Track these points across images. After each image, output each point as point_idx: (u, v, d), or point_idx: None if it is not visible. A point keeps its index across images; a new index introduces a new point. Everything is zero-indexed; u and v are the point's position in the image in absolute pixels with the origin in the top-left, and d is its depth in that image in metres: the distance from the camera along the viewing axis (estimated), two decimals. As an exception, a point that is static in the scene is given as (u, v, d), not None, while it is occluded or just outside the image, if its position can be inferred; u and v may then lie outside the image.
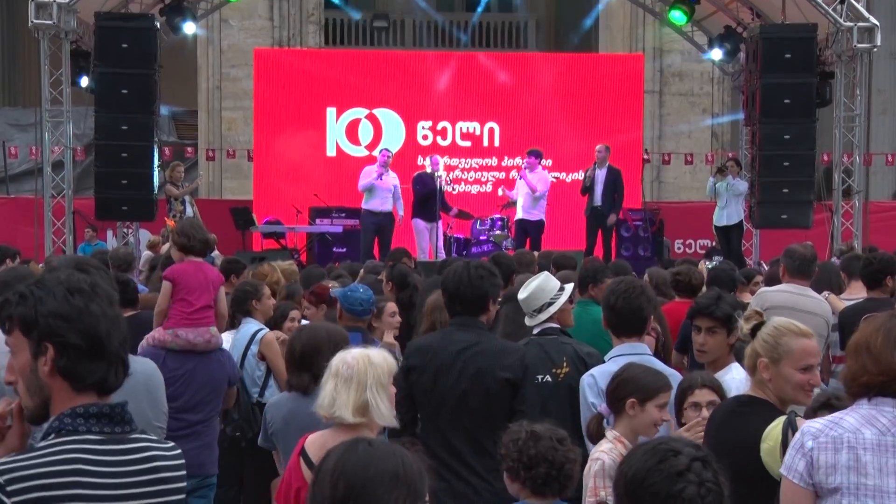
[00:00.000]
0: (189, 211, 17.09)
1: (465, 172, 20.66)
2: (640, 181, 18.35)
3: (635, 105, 21.35)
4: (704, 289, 8.13)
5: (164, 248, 15.80)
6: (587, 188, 16.71)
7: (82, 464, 2.55)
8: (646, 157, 21.89)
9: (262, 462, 6.88)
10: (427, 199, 16.67)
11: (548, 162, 20.29)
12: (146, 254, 15.36)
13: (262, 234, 17.97)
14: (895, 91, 27.24)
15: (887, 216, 20.73)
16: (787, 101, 16.47)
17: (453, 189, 17.86)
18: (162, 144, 19.40)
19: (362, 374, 4.02)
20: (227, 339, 7.07)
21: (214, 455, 6.47)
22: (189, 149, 24.72)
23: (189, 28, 18.54)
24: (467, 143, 20.91)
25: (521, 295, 5.65)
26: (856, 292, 7.99)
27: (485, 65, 21.60)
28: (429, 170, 17.09)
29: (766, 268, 13.54)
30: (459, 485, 4.92)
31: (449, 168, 19.43)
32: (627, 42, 25.54)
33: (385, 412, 4.02)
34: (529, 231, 16.61)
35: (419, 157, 20.38)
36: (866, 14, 16.76)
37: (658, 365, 5.13)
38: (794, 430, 3.67)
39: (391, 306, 7.35)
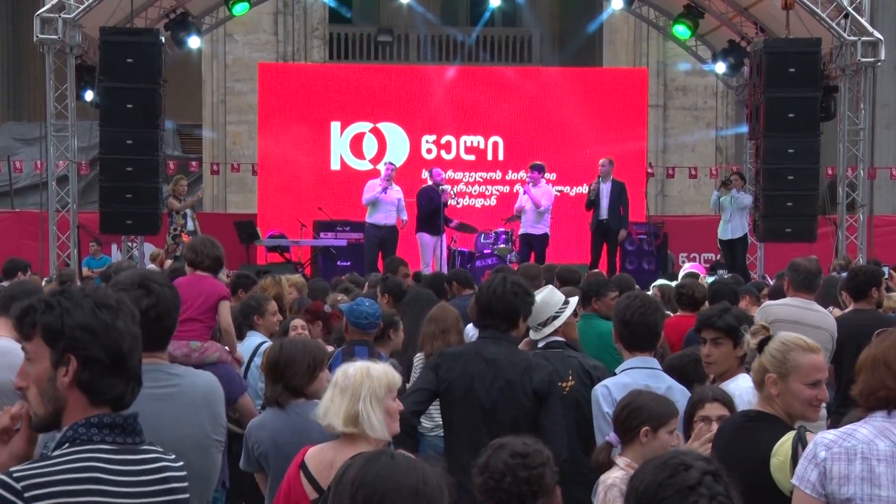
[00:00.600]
0: (190, 225, 17.11)
1: (469, 186, 20.69)
2: (644, 195, 18.33)
3: (639, 119, 21.38)
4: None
5: (169, 262, 15.83)
6: (592, 202, 16.68)
7: (98, 472, 2.56)
8: (650, 170, 21.90)
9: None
10: (432, 214, 16.70)
11: (552, 176, 20.31)
12: (150, 267, 15.37)
13: (267, 247, 17.97)
14: (899, 105, 27.21)
15: (891, 230, 20.70)
16: (791, 115, 16.47)
17: (458, 203, 17.88)
18: (166, 158, 19.45)
19: (358, 385, 4.04)
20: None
21: (223, 466, 6.44)
22: (193, 163, 24.78)
23: (194, 42, 18.61)
24: (471, 157, 20.94)
25: (533, 305, 5.65)
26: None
27: (489, 79, 21.65)
28: (430, 182, 17.14)
29: (772, 281, 13.53)
30: None
31: (453, 182, 19.46)
32: (631, 56, 25.60)
33: (376, 425, 4.01)
34: (534, 245, 16.60)
35: (423, 170, 20.42)
36: (870, 28, 16.78)
37: (667, 380, 5.12)
38: (804, 445, 3.66)
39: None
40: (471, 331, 6.97)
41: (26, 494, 2.46)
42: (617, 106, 20.95)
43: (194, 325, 6.46)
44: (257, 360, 7.08)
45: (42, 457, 2.60)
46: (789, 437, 3.82)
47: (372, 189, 16.85)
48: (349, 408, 4.02)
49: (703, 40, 20.08)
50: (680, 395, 4.88)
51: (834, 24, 16.46)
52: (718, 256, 18.67)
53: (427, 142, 20.87)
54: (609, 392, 5.05)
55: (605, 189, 16.62)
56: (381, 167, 17.73)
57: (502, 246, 16.97)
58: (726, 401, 4.60)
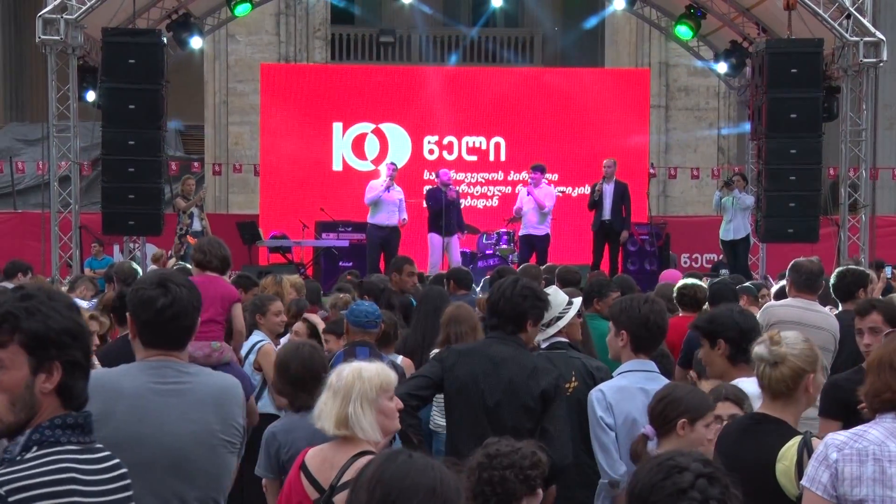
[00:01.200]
0: (197, 225, 17.14)
1: (472, 187, 20.70)
2: (646, 195, 18.33)
3: (641, 119, 21.38)
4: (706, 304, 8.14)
5: (170, 262, 15.85)
6: (595, 202, 16.68)
7: (74, 473, 2.56)
8: (652, 171, 21.89)
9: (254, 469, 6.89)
10: (439, 214, 16.73)
11: (554, 176, 20.33)
12: (152, 268, 15.39)
13: (269, 248, 17.99)
14: (901, 105, 27.21)
15: (893, 230, 20.70)
16: (793, 115, 16.46)
17: (460, 203, 17.88)
18: (168, 159, 19.46)
19: (349, 387, 4.04)
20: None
21: None
22: (196, 163, 24.78)
23: (196, 43, 18.62)
24: (473, 158, 20.95)
25: (544, 311, 5.63)
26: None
27: (491, 79, 21.65)
28: (438, 182, 17.21)
29: (773, 282, 13.53)
30: None
31: (455, 182, 19.47)
32: (633, 57, 25.60)
33: (366, 426, 4.01)
34: (536, 245, 16.60)
35: (425, 171, 20.43)
36: (872, 29, 16.77)
37: (664, 381, 5.11)
38: (810, 449, 3.65)
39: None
40: None
41: (10, 499, 2.44)
42: (619, 106, 20.95)
43: (214, 326, 6.52)
44: (251, 358, 7.11)
45: (9, 461, 2.56)
46: (795, 441, 3.80)
47: (374, 189, 16.86)
48: (340, 410, 4.02)
49: (705, 41, 20.07)
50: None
51: (836, 25, 16.45)
52: (720, 257, 18.67)
53: (429, 142, 20.88)
54: (604, 396, 5.03)
55: (609, 190, 16.62)
56: (383, 168, 17.74)
57: (504, 247, 16.98)
58: (738, 399, 4.55)
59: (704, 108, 25.83)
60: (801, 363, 3.95)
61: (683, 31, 18.77)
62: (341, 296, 8.79)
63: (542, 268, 11.78)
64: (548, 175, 20.16)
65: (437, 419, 6.87)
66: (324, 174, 20.59)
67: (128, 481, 2.73)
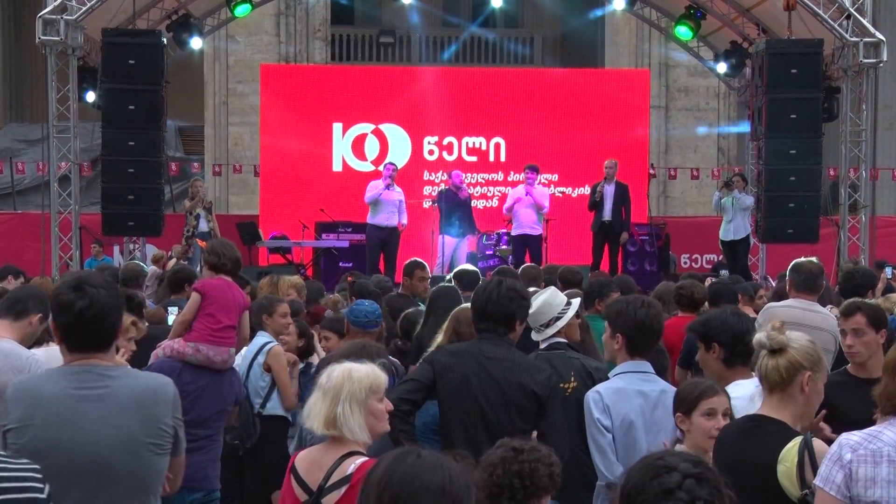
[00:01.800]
0: (204, 226, 17.18)
1: (472, 187, 20.68)
2: (646, 196, 18.33)
3: (641, 120, 21.37)
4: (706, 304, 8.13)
5: (171, 263, 15.85)
6: (596, 203, 16.68)
7: None
8: (652, 171, 21.86)
9: (261, 473, 6.88)
10: (450, 214, 16.78)
11: (554, 177, 20.35)
12: (152, 268, 15.39)
13: (269, 249, 17.99)
14: (901, 106, 27.21)
15: (893, 231, 20.68)
16: (793, 116, 16.46)
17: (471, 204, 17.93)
18: (168, 160, 19.48)
19: (338, 388, 4.04)
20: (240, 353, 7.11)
21: (218, 469, 6.47)
22: (196, 164, 24.79)
23: (196, 44, 18.62)
24: (473, 159, 20.94)
25: (529, 310, 5.64)
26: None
27: (491, 80, 21.65)
28: (450, 184, 17.35)
29: (774, 283, 13.54)
30: None
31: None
32: (633, 57, 25.60)
33: (354, 427, 4.00)
34: (532, 245, 16.58)
35: (425, 171, 20.43)
36: (872, 29, 16.77)
37: (660, 383, 5.11)
38: (811, 451, 3.64)
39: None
40: None
41: None
42: (619, 107, 20.95)
43: (232, 332, 6.51)
44: (260, 360, 7.10)
45: None
46: (795, 442, 3.77)
47: (375, 188, 16.85)
48: (328, 411, 4.02)
49: (705, 41, 20.07)
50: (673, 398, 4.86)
51: (836, 25, 16.44)
52: (720, 257, 18.67)
53: (429, 143, 20.87)
54: (601, 398, 5.02)
55: (609, 191, 16.63)
56: (383, 168, 17.74)
57: (504, 247, 16.97)
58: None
59: (704, 108, 25.83)
60: (800, 357, 3.92)
61: (683, 31, 18.77)
62: (331, 296, 8.78)
63: (543, 268, 11.74)
64: (548, 175, 20.18)
65: None
66: (324, 175, 20.58)
67: (6, 485, 2.75)
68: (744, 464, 3.81)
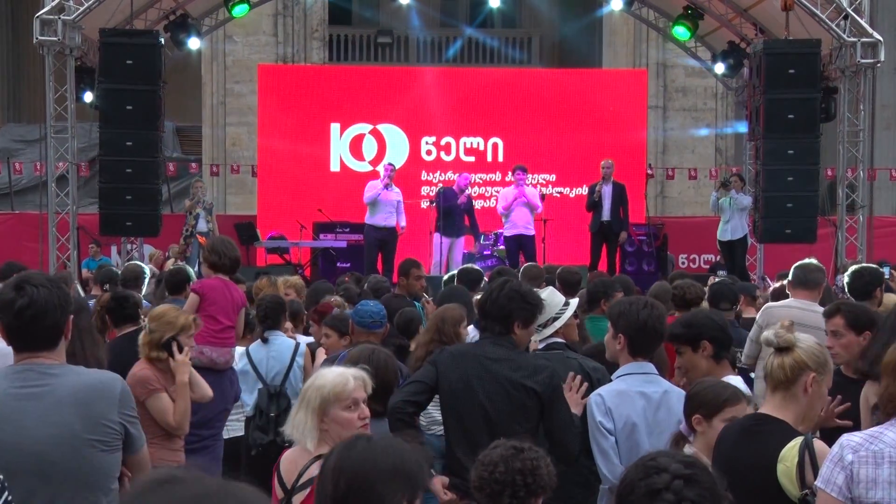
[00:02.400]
0: (203, 226, 17.19)
1: (469, 188, 20.67)
2: (643, 196, 18.33)
3: (639, 120, 21.37)
4: (706, 304, 8.13)
5: (169, 263, 15.85)
6: (595, 203, 16.67)
7: None
8: (649, 172, 21.90)
9: (261, 473, 6.88)
10: (447, 213, 16.75)
11: (551, 177, 20.35)
12: (150, 268, 15.37)
13: (266, 249, 17.98)
14: (899, 106, 27.21)
15: (891, 231, 20.69)
16: (790, 116, 16.47)
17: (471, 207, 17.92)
18: (166, 160, 19.47)
19: (304, 393, 4.14)
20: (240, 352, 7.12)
21: (220, 469, 6.47)
22: (193, 164, 24.77)
23: (193, 44, 18.61)
24: (471, 159, 20.94)
25: (531, 312, 5.61)
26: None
27: (489, 80, 21.65)
28: (456, 184, 17.34)
29: (772, 283, 13.53)
30: None
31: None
32: (631, 58, 25.60)
33: (305, 434, 4.05)
34: (526, 246, 16.57)
35: (423, 171, 20.44)
36: (870, 30, 16.78)
37: (663, 384, 5.08)
38: (811, 451, 3.63)
39: None
40: (472, 331, 6.95)
41: None
42: (617, 107, 20.94)
43: (232, 332, 6.52)
44: (300, 361, 7.11)
45: None
46: (796, 442, 3.76)
47: (373, 188, 16.84)
48: (293, 414, 4.12)
49: (703, 41, 20.08)
50: (676, 399, 4.84)
51: (833, 26, 16.45)
52: (718, 257, 18.67)
53: (427, 143, 20.87)
54: (603, 400, 4.99)
55: (608, 191, 16.63)
56: (381, 168, 17.74)
57: (502, 248, 16.96)
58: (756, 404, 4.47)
59: (702, 108, 25.83)
60: (806, 358, 3.91)
61: (681, 31, 18.78)
62: (333, 298, 8.77)
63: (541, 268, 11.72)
64: (546, 176, 20.18)
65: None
66: (321, 175, 20.58)
67: None
68: (744, 462, 3.80)
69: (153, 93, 16.21)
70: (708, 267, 19.24)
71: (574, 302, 5.93)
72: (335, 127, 20.72)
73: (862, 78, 17.06)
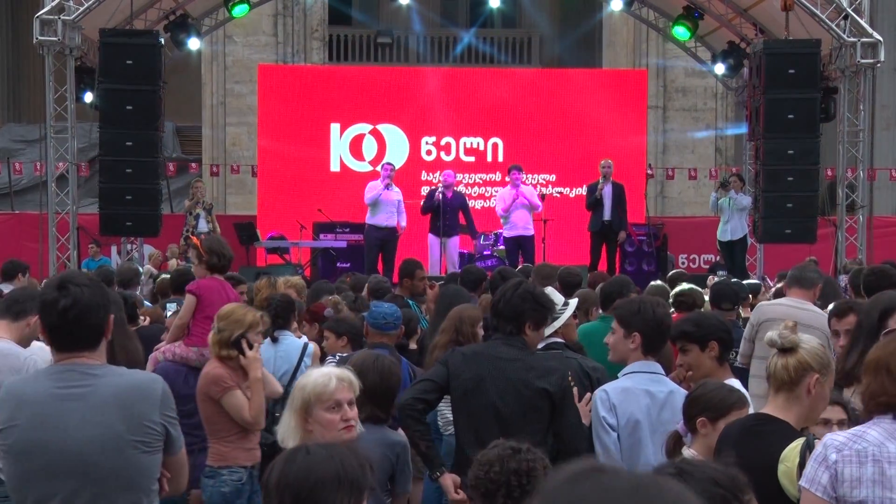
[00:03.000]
0: (203, 227, 17.19)
1: (469, 188, 20.68)
2: (643, 196, 18.33)
3: (639, 120, 21.37)
4: (707, 305, 8.13)
5: (171, 263, 15.87)
6: (596, 202, 16.65)
7: None
8: (649, 172, 21.89)
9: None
10: (435, 215, 16.71)
11: (551, 177, 20.34)
12: (147, 268, 15.41)
13: (266, 249, 17.98)
14: (899, 106, 27.21)
15: (891, 231, 20.69)
16: (790, 116, 16.48)
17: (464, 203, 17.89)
18: (166, 160, 19.47)
19: (291, 393, 4.19)
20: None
21: None
22: (193, 164, 24.77)
23: (193, 44, 18.63)
24: (471, 159, 20.94)
25: (544, 314, 5.61)
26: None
27: (489, 80, 21.65)
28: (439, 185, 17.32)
29: (771, 283, 13.54)
30: None
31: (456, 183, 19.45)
32: (631, 58, 25.60)
33: (286, 433, 4.09)
34: (526, 246, 16.56)
35: (423, 172, 20.43)
36: (870, 30, 16.78)
37: (669, 384, 5.07)
38: (812, 451, 3.63)
39: None
40: None
41: None
42: (617, 107, 20.94)
43: None
44: (307, 361, 7.13)
45: None
46: (797, 443, 3.76)
47: (374, 189, 16.83)
48: (283, 415, 4.18)
49: (703, 41, 20.08)
50: (681, 400, 4.82)
51: (833, 26, 16.46)
52: (718, 258, 18.67)
53: (427, 143, 20.87)
54: (608, 397, 5.00)
55: (608, 191, 16.62)
56: (381, 168, 17.73)
57: (502, 248, 16.95)
58: (843, 403, 4.42)
59: (702, 108, 25.83)
60: (809, 359, 3.89)
61: (681, 31, 18.78)
62: (331, 297, 8.77)
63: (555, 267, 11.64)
64: (545, 176, 20.18)
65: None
66: (321, 175, 20.58)
67: None
68: (745, 462, 3.78)
69: (153, 93, 16.22)
70: (708, 267, 19.24)
71: (573, 302, 5.94)
72: (335, 127, 20.73)
73: (862, 78, 17.07)
